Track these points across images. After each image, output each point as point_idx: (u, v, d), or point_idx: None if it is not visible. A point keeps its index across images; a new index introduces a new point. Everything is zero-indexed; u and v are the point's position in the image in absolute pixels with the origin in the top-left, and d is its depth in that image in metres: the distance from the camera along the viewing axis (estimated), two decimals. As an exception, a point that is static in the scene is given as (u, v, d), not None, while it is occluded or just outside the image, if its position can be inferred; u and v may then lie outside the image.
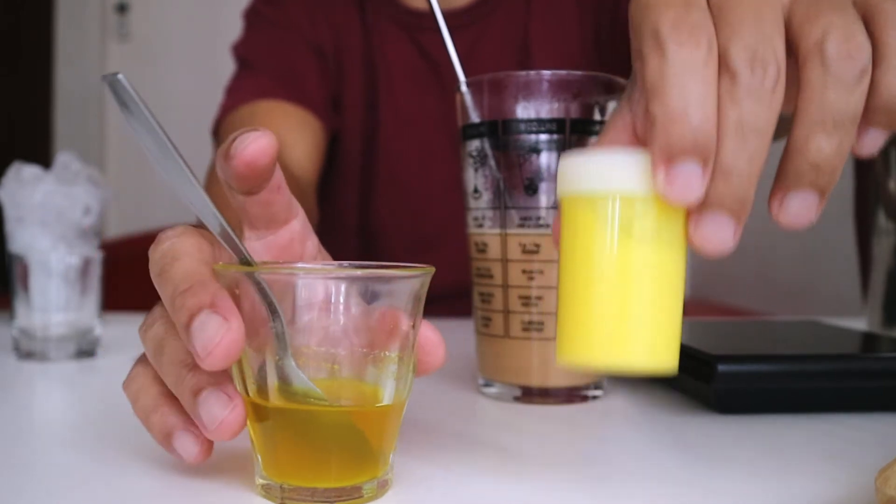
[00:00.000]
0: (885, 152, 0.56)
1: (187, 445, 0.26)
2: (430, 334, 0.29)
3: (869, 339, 0.47)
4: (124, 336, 0.60)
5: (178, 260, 0.27)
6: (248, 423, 0.26)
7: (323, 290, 0.25)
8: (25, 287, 0.51)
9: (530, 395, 0.40)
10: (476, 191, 0.41)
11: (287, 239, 0.31)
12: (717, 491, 0.28)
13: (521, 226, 0.39)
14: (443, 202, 0.82)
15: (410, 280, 0.26)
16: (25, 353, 0.51)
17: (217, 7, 1.96)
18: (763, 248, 1.53)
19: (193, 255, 0.27)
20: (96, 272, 0.53)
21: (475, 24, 0.83)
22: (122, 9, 1.97)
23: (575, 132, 0.38)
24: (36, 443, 0.33)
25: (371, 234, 0.84)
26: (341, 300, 0.25)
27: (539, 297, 0.39)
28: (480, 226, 0.41)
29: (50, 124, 1.99)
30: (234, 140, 0.27)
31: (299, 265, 0.30)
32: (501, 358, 0.41)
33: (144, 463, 0.30)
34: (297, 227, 0.31)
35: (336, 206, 0.86)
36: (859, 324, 0.60)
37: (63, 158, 0.62)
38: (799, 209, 0.26)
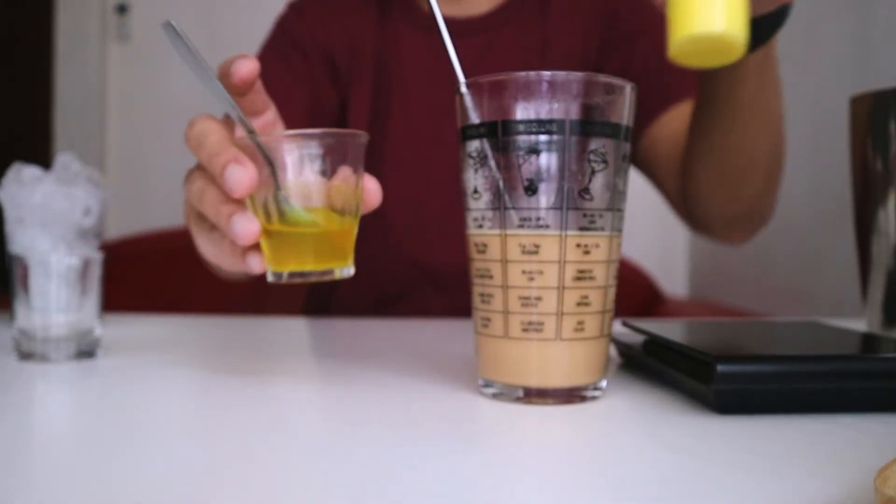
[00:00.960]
0: (884, 151, 0.56)
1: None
2: (371, 184, 0.44)
3: (868, 340, 0.47)
4: (124, 337, 0.60)
5: (209, 136, 0.42)
6: (261, 240, 0.42)
7: (297, 148, 0.41)
8: (26, 288, 0.51)
9: (530, 395, 0.40)
10: (476, 191, 0.41)
11: (262, 123, 0.49)
12: (715, 491, 0.28)
13: (521, 226, 0.39)
14: (448, 188, 0.84)
15: (349, 138, 0.42)
16: (25, 354, 0.51)
17: (217, 9, 1.96)
18: (763, 249, 1.53)
19: (219, 133, 0.42)
20: (96, 273, 0.53)
21: (489, 30, 0.86)
22: (122, 10, 1.97)
23: (575, 133, 0.38)
24: (36, 444, 0.34)
25: (376, 216, 0.86)
26: (308, 153, 0.41)
27: (538, 298, 0.39)
28: (480, 226, 0.41)
29: (50, 125, 1.99)
30: (230, 64, 0.43)
31: (281, 133, 0.45)
32: (501, 358, 0.41)
33: (145, 463, 0.30)
34: (270, 117, 0.49)
35: None
36: (859, 325, 0.60)
37: (63, 159, 0.62)
38: None
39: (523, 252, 0.39)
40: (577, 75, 0.39)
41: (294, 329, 0.75)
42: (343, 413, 0.39)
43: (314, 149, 0.41)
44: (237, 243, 0.41)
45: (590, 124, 0.39)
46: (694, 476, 0.29)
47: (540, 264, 0.39)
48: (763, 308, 1.45)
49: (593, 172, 0.39)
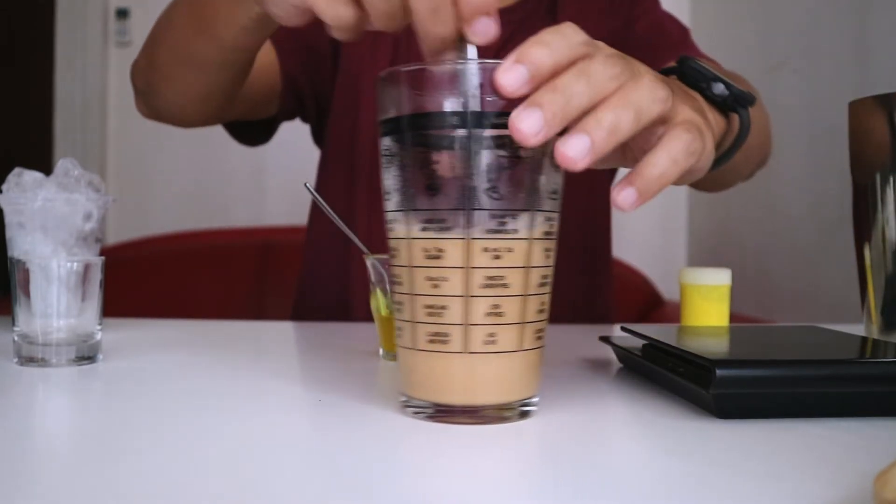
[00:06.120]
0: (883, 156, 0.56)
1: None
2: None
3: (867, 344, 0.47)
4: (125, 341, 0.60)
5: None
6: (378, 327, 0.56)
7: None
8: (26, 292, 0.51)
9: (439, 412, 0.37)
10: (387, 192, 0.38)
11: None
12: (715, 495, 0.28)
13: (424, 229, 0.36)
14: None
15: None
16: (26, 358, 0.51)
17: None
18: (762, 254, 1.53)
19: None
20: (97, 277, 0.53)
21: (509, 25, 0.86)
22: (122, 14, 1.98)
23: (478, 126, 0.34)
24: (36, 448, 0.34)
25: (356, 218, 0.86)
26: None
27: (443, 307, 0.36)
28: (392, 229, 0.38)
29: (50, 130, 1.99)
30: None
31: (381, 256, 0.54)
32: (412, 372, 0.38)
33: (145, 467, 0.30)
34: None
35: (323, 195, 0.89)
36: (858, 330, 0.60)
37: (64, 164, 0.62)
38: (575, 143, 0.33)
39: (427, 257, 0.36)
40: (479, 63, 0.35)
41: (294, 332, 0.75)
42: (343, 416, 0.39)
43: None
44: None
45: (497, 116, 0.34)
46: (693, 480, 0.29)
47: (444, 270, 0.35)
48: (762, 313, 1.45)
49: (502, 169, 0.35)
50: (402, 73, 0.36)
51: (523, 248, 0.36)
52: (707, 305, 0.61)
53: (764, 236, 1.52)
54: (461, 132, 0.35)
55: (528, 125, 0.33)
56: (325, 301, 0.93)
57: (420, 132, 0.35)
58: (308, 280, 0.96)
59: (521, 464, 0.32)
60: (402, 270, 0.37)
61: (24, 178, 0.61)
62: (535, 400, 0.38)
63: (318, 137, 0.95)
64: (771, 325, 0.82)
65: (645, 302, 1.48)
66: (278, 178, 1.87)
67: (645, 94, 0.35)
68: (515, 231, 0.35)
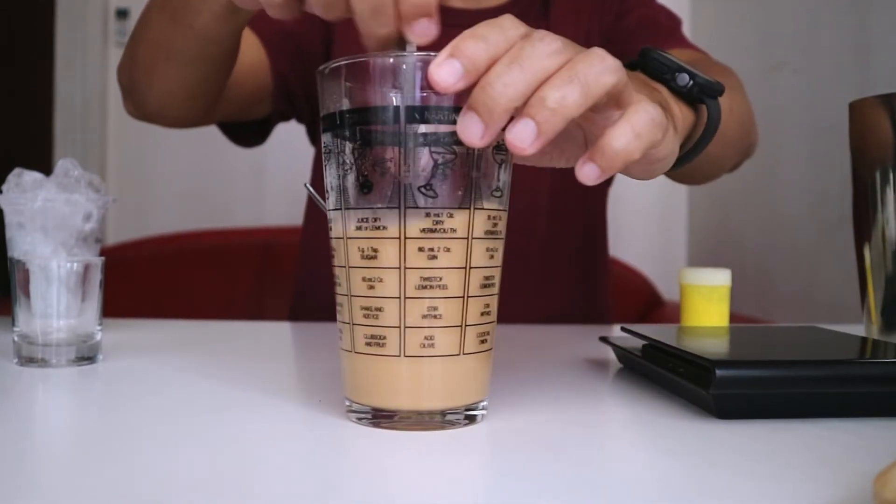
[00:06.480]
0: (883, 156, 0.56)
1: None
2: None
3: (867, 345, 0.47)
4: (125, 341, 0.60)
5: None
6: None
7: None
8: (26, 293, 0.51)
9: (379, 417, 0.36)
10: (326, 190, 0.37)
11: None
12: (715, 496, 0.28)
13: (359, 228, 0.35)
14: None
15: None
16: (26, 358, 0.51)
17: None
18: (762, 254, 1.53)
19: None
20: (97, 278, 0.53)
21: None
22: (122, 14, 1.98)
23: (411, 121, 0.33)
24: (36, 448, 0.34)
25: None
26: None
27: (379, 309, 0.35)
28: (331, 228, 0.37)
29: (50, 130, 1.99)
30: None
31: None
32: (353, 376, 0.37)
33: (145, 468, 0.30)
34: None
35: (318, 193, 0.89)
36: (858, 330, 0.60)
37: (64, 164, 0.62)
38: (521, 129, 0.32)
39: (362, 257, 0.35)
40: (412, 57, 0.34)
41: (293, 332, 0.75)
42: (342, 417, 0.39)
43: None
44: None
45: (429, 110, 0.33)
46: (693, 480, 0.29)
47: (379, 271, 0.35)
48: (762, 313, 1.45)
49: (436, 166, 0.34)
50: (338, 68, 0.35)
51: (461, 248, 0.35)
52: (707, 306, 0.61)
53: (764, 236, 1.52)
54: (393, 128, 0.34)
55: (469, 131, 0.31)
56: (323, 301, 0.92)
57: (353, 128, 0.35)
58: (307, 280, 0.96)
59: (523, 464, 0.32)
60: (341, 271, 0.37)
61: (24, 179, 0.61)
62: (482, 405, 0.37)
63: (314, 137, 0.95)
64: (771, 325, 0.82)
65: (645, 302, 1.48)
66: (278, 179, 1.87)
67: (594, 62, 0.32)
68: (453, 230, 0.34)
